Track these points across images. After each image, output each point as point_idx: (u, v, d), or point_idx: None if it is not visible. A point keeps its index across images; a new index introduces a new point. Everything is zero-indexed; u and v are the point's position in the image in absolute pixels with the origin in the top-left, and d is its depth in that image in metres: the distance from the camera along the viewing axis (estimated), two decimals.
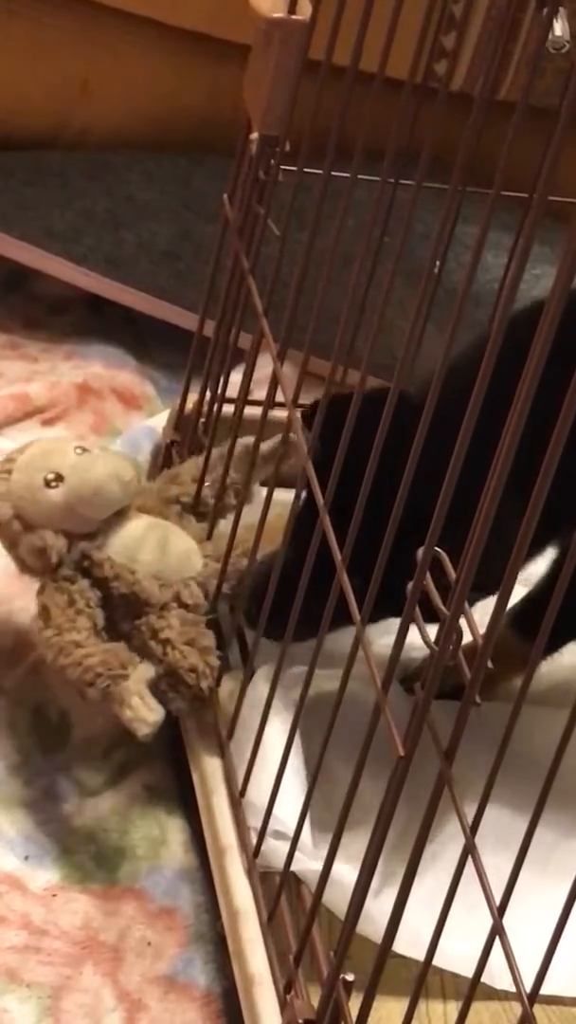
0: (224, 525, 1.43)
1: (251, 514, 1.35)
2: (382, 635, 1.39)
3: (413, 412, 0.96)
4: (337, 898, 1.16)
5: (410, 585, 0.95)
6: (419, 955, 1.02)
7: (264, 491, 1.29)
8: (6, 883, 1.30)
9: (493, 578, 0.89)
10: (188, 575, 1.40)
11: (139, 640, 1.37)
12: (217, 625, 1.40)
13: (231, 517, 1.40)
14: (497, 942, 0.94)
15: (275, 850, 1.20)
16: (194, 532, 1.44)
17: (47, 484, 1.37)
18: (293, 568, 1.19)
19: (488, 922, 0.94)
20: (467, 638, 0.92)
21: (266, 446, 1.36)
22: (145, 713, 1.30)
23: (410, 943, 1.09)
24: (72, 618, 1.35)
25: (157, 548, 1.40)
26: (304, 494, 1.23)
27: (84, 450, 1.39)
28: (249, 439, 1.37)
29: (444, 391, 0.94)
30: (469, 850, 0.94)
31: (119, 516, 1.40)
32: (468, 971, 0.99)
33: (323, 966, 1.10)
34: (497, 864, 0.95)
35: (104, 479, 1.36)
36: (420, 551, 0.94)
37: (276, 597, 1.22)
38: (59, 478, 1.37)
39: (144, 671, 1.32)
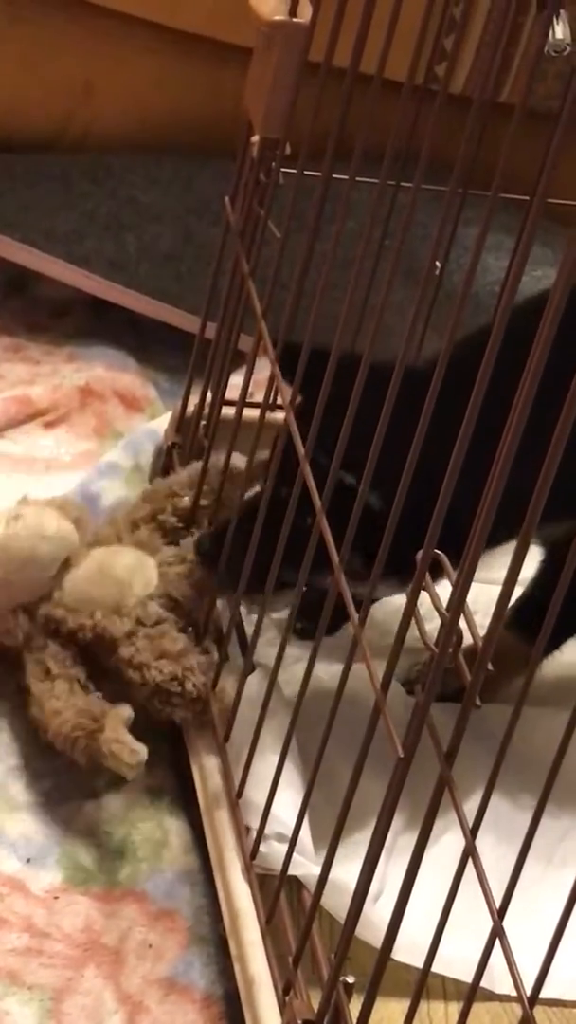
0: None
1: None
2: (382, 636, 1.39)
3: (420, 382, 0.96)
4: (337, 902, 1.15)
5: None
6: (418, 962, 1.02)
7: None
8: (8, 885, 1.30)
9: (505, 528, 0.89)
10: (146, 592, 1.40)
11: (122, 675, 1.38)
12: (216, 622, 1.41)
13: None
14: (497, 945, 0.94)
15: (276, 852, 1.20)
16: (156, 544, 1.45)
17: None
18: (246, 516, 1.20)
19: (487, 924, 0.94)
20: (467, 639, 0.92)
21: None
22: (127, 757, 1.32)
23: (409, 950, 1.09)
24: (49, 688, 1.37)
25: (107, 580, 1.40)
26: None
27: (17, 516, 1.40)
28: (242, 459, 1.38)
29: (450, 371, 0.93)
30: (469, 852, 0.94)
31: (66, 566, 1.41)
32: (467, 976, 0.99)
33: (323, 968, 1.10)
34: (496, 864, 0.95)
35: (29, 546, 1.38)
36: (419, 554, 0.94)
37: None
38: None
39: (116, 716, 1.34)
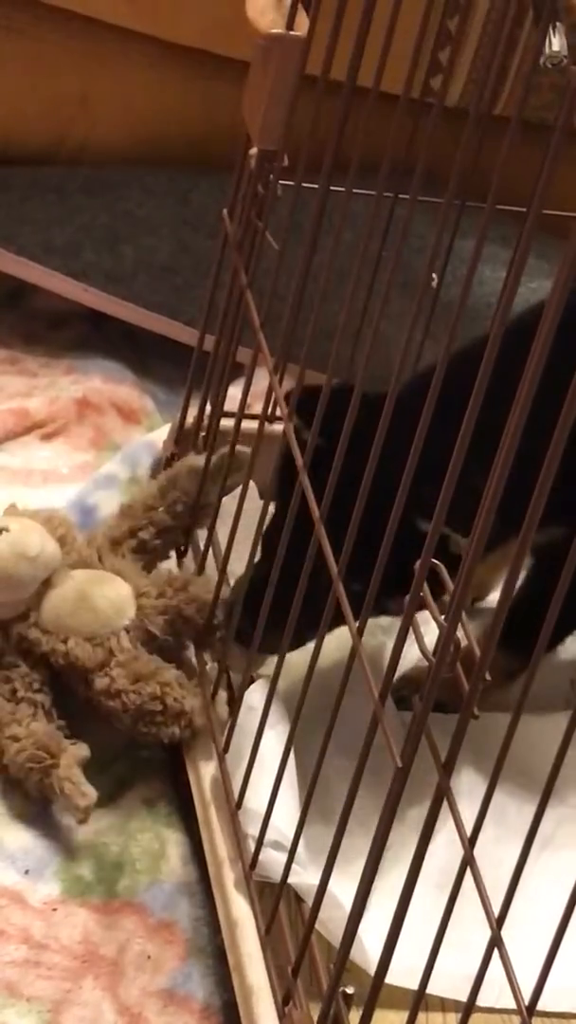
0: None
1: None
2: (378, 650, 1.39)
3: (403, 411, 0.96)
4: (329, 914, 1.15)
5: (407, 597, 0.95)
6: (413, 984, 1.02)
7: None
8: (6, 897, 1.30)
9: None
10: (122, 624, 1.39)
11: (101, 708, 1.37)
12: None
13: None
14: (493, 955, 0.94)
15: (273, 860, 1.20)
16: (135, 572, 1.44)
17: None
18: (265, 578, 1.20)
19: (475, 939, 0.95)
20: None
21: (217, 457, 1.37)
22: (77, 799, 1.31)
23: (403, 972, 1.07)
24: (12, 711, 1.36)
25: (85, 608, 1.39)
26: (272, 506, 1.24)
27: (4, 530, 1.39)
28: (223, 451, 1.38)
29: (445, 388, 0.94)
30: (468, 862, 0.94)
31: (47, 585, 1.40)
32: (457, 993, 0.99)
33: (323, 979, 1.10)
34: (485, 876, 0.95)
35: (10, 566, 1.37)
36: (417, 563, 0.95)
37: (258, 609, 1.22)
38: None
39: (74, 753, 1.34)
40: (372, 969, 1.03)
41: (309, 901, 1.16)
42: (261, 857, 1.21)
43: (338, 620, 1.09)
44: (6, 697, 1.37)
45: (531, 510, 0.85)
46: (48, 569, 1.40)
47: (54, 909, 1.30)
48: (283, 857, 1.17)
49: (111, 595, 1.40)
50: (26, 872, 1.32)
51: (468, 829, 0.95)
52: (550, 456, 0.83)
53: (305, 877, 1.19)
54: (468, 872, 0.95)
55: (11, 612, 1.39)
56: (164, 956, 1.28)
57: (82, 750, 1.34)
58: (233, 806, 1.26)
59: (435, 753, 0.94)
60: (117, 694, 1.36)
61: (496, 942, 0.94)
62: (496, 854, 1.07)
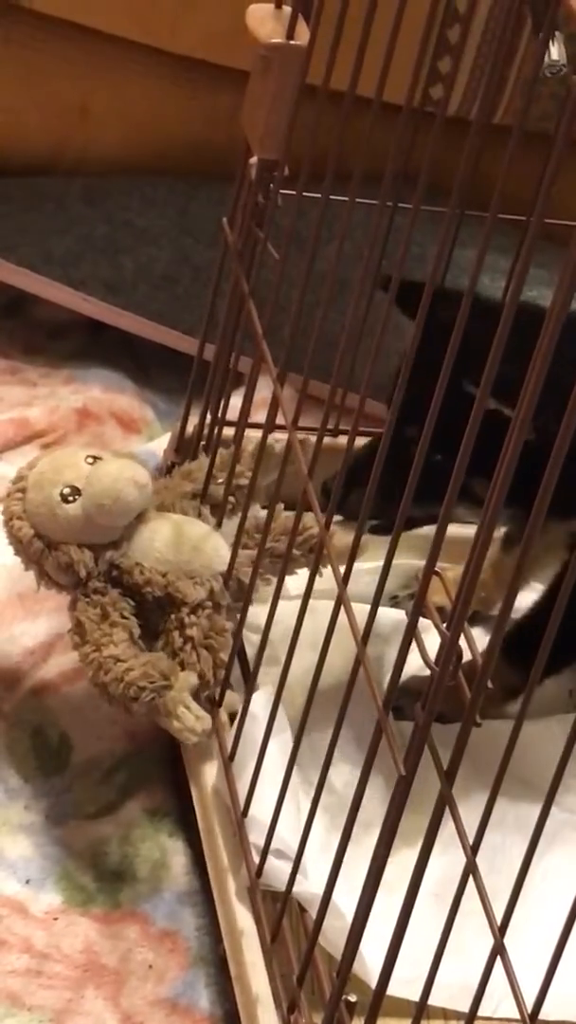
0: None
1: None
2: (380, 659, 1.39)
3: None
4: (329, 924, 1.15)
5: (410, 605, 0.95)
6: (414, 995, 1.02)
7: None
8: (7, 907, 1.30)
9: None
10: (219, 569, 1.39)
11: (165, 631, 1.36)
12: None
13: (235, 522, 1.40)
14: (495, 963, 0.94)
15: (276, 869, 1.20)
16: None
17: (64, 499, 1.36)
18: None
19: (477, 948, 0.95)
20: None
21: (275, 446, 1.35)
22: (193, 723, 1.31)
23: (404, 982, 1.07)
24: (107, 632, 1.34)
25: (186, 546, 1.39)
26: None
27: (96, 458, 1.39)
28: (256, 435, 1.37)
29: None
30: (470, 870, 0.94)
31: (140, 520, 1.39)
32: (461, 1004, 0.99)
33: (325, 987, 1.10)
34: (486, 884, 0.95)
35: (120, 485, 1.36)
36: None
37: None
38: (75, 491, 1.36)
39: (186, 679, 1.32)
40: (372, 980, 1.03)
41: (311, 910, 1.16)
42: (265, 866, 1.21)
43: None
44: (96, 621, 1.35)
45: (531, 522, 0.86)
46: (147, 502, 1.39)
47: (55, 919, 1.30)
48: (286, 866, 1.17)
49: (212, 540, 1.40)
50: (27, 882, 1.32)
51: (470, 837, 0.95)
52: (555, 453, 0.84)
53: (308, 886, 1.19)
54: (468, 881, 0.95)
55: (108, 538, 1.37)
56: (166, 965, 1.28)
57: (192, 677, 1.33)
58: (239, 814, 1.25)
59: (437, 761, 0.94)
60: (188, 638, 1.35)
61: (499, 950, 0.94)
62: (496, 862, 1.07)
